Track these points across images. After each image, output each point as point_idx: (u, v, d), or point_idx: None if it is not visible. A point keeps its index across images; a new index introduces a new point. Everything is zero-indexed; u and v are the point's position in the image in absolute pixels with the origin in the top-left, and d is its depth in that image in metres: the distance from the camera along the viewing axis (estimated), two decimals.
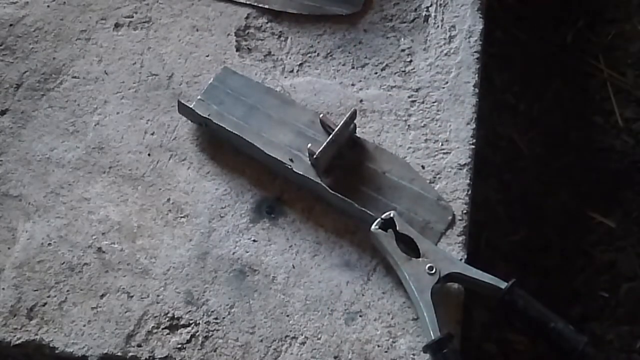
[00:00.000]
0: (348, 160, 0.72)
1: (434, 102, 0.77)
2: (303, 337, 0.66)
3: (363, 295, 0.67)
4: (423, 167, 0.73)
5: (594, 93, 1.11)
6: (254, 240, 0.70)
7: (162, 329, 0.66)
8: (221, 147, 0.74)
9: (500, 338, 0.89)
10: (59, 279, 0.68)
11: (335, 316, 0.67)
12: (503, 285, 0.66)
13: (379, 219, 0.67)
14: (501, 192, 0.99)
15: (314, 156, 0.70)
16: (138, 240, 0.70)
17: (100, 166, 0.74)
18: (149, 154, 0.75)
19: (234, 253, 0.69)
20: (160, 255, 0.69)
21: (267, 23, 0.82)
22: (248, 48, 0.80)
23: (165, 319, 0.67)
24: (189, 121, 0.75)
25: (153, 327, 0.66)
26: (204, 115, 0.72)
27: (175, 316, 0.67)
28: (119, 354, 0.65)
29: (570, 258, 0.95)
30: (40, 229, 0.71)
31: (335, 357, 0.65)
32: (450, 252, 0.69)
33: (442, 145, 0.74)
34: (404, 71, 0.79)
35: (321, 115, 0.73)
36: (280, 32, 0.81)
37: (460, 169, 0.73)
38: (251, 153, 0.72)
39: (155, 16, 0.83)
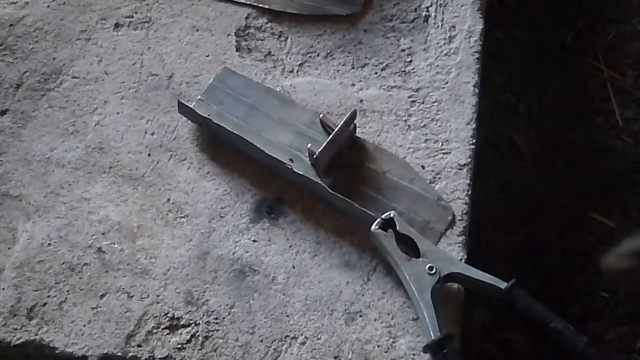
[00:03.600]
0: (348, 160, 0.72)
1: (434, 102, 0.77)
2: (303, 337, 0.66)
3: (363, 295, 0.67)
4: (423, 167, 0.73)
5: (594, 93, 1.11)
6: (254, 240, 0.70)
7: (162, 329, 0.66)
8: (221, 147, 0.74)
9: (500, 338, 0.89)
10: (59, 279, 0.68)
11: (335, 316, 0.67)
12: (503, 285, 0.66)
13: (379, 219, 0.67)
14: (501, 192, 0.99)
15: (314, 156, 0.70)
16: (138, 240, 0.70)
17: (100, 166, 0.74)
18: (149, 154, 0.75)
19: (234, 253, 0.69)
20: (160, 255, 0.69)
21: (267, 23, 0.82)
22: (248, 48, 0.80)
23: (165, 319, 0.67)
24: (189, 121, 0.75)
25: (153, 327, 0.66)
26: (204, 115, 0.72)
27: (175, 316, 0.67)
28: (119, 354, 0.65)
29: (570, 258, 0.95)
30: (40, 229, 0.71)
31: (335, 357, 0.65)
32: (450, 252, 0.69)
33: (442, 145, 0.74)
34: (404, 71, 0.79)
35: (321, 115, 0.73)
36: (280, 32, 0.81)
37: (460, 169, 0.73)
38: (251, 153, 0.72)
39: (155, 16, 0.83)
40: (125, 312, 0.67)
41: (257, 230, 0.70)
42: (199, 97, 0.74)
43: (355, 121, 0.73)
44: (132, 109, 0.77)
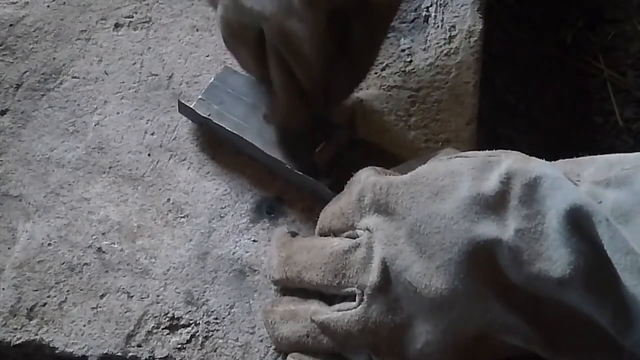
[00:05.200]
0: (348, 160, 0.72)
1: (434, 103, 0.77)
2: None
3: None
4: None
5: (594, 93, 1.11)
6: (254, 240, 0.70)
7: (162, 329, 0.66)
8: (221, 147, 0.74)
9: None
10: (59, 279, 0.68)
11: None
12: None
13: None
14: None
15: (313, 157, 0.70)
16: (138, 240, 0.70)
17: (100, 166, 0.74)
18: (149, 154, 0.75)
19: (234, 253, 0.69)
20: (160, 255, 0.69)
21: None
22: None
23: (165, 319, 0.67)
24: (189, 121, 0.75)
25: (153, 327, 0.66)
26: (204, 115, 0.72)
27: (175, 316, 0.67)
28: (119, 354, 0.65)
29: None
30: (40, 229, 0.71)
31: None
32: None
33: (442, 145, 0.74)
34: (404, 71, 0.79)
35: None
36: None
37: None
38: (251, 153, 0.72)
39: (155, 16, 0.83)
40: (125, 312, 0.67)
41: (257, 230, 0.70)
42: (199, 96, 0.74)
43: (355, 121, 0.73)
44: (132, 109, 0.77)
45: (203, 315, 0.67)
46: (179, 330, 0.66)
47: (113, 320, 0.67)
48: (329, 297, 0.61)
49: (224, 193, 0.72)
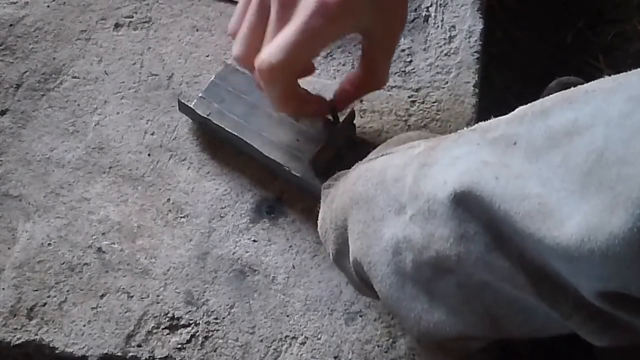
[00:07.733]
0: (348, 161, 0.72)
1: (434, 102, 0.77)
2: (303, 337, 0.66)
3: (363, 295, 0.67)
4: None
5: None
6: (254, 240, 0.70)
7: (162, 329, 0.66)
8: (221, 147, 0.74)
9: (500, 338, 0.89)
10: (59, 279, 0.68)
11: (335, 316, 0.67)
12: None
13: None
14: None
15: (311, 158, 0.70)
16: (138, 240, 0.70)
17: (100, 166, 0.74)
18: (149, 154, 0.75)
19: (234, 253, 0.69)
20: (160, 255, 0.69)
21: None
22: None
23: (165, 319, 0.67)
24: (189, 121, 0.75)
25: (153, 327, 0.66)
26: (204, 115, 0.72)
27: (175, 316, 0.67)
28: (119, 354, 0.65)
29: None
30: (40, 229, 0.71)
31: (335, 357, 0.65)
32: None
33: None
34: (404, 71, 0.79)
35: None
36: None
37: None
38: (251, 153, 0.72)
39: (155, 16, 0.83)
40: (125, 312, 0.67)
41: (257, 230, 0.70)
42: (200, 94, 0.74)
43: (354, 121, 0.73)
44: (132, 109, 0.77)
45: (203, 315, 0.67)
46: (179, 330, 0.66)
47: (113, 320, 0.67)
48: None
49: (224, 193, 0.72)
